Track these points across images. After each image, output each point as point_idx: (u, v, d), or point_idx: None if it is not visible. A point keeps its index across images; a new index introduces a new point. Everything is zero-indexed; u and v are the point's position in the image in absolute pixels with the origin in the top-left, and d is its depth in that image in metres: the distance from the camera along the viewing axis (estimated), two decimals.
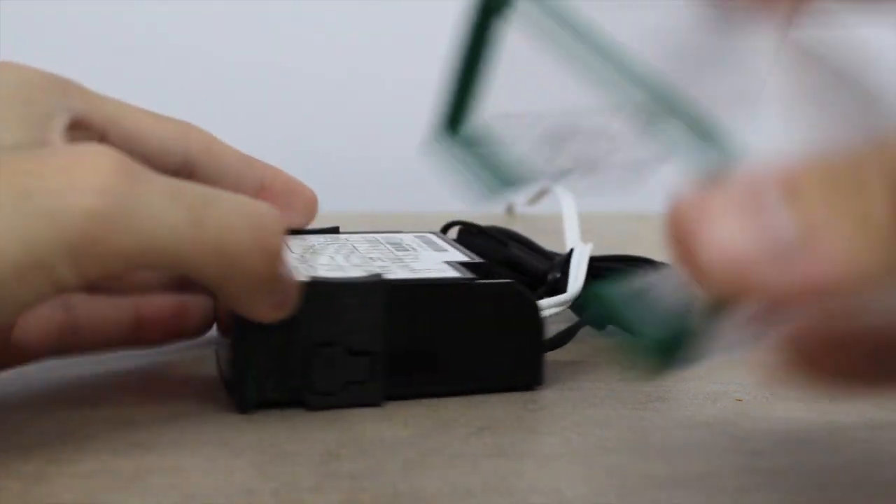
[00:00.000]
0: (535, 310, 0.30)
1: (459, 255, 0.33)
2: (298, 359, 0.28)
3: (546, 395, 0.30)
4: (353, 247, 0.33)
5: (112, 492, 0.23)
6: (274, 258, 0.26)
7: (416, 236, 0.35)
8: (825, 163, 0.16)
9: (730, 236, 0.15)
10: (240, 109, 0.71)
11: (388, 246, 0.33)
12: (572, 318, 0.34)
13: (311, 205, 0.33)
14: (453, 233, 0.41)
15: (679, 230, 0.16)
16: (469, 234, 0.41)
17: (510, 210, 0.67)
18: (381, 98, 0.74)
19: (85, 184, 0.23)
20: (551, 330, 0.32)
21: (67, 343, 0.30)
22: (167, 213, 0.24)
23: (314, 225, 0.34)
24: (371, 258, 0.31)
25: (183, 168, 0.30)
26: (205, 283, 0.26)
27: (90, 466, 0.25)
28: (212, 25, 0.71)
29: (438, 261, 0.32)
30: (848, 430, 0.27)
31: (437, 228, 0.39)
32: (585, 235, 0.47)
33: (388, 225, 0.39)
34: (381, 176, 0.73)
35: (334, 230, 0.35)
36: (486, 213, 0.55)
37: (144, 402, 0.29)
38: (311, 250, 0.32)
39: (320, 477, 0.24)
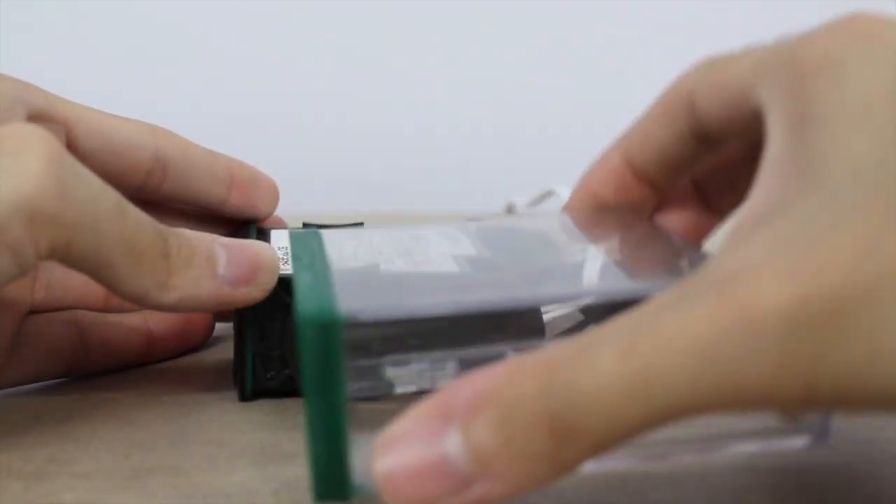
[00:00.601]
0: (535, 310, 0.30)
1: (470, 250, 0.33)
2: (293, 349, 0.28)
3: None
4: (370, 241, 0.34)
5: (112, 492, 0.23)
6: (173, 257, 0.26)
7: (439, 232, 0.36)
8: (498, 395, 0.18)
9: (401, 469, 0.18)
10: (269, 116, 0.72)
11: (405, 241, 0.34)
12: (579, 318, 0.34)
13: (274, 193, 0.33)
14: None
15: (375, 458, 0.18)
16: None
17: (510, 210, 0.67)
18: (422, 105, 0.75)
19: (37, 149, 0.23)
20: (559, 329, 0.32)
21: (79, 364, 0.30)
22: (102, 195, 0.24)
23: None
24: (380, 253, 0.32)
25: (156, 163, 0.30)
26: (111, 278, 0.25)
27: (90, 466, 0.25)
28: (230, 30, 0.71)
29: (447, 254, 0.32)
30: (848, 429, 0.27)
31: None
32: None
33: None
34: (404, 176, 0.74)
35: (359, 225, 0.36)
36: (487, 212, 0.56)
37: (145, 401, 0.29)
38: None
39: None
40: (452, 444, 0.18)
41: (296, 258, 0.25)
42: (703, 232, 0.30)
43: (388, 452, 0.18)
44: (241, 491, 0.23)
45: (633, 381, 0.17)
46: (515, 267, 0.27)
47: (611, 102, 0.77)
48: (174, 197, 0.31)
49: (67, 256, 0.23)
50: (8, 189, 0.22)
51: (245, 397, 0.29)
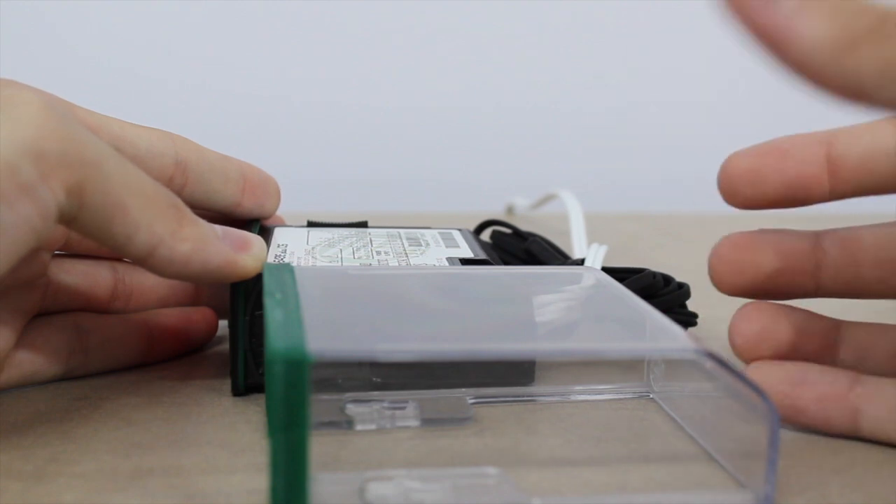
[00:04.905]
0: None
1: (467, 252, 0.33)
2: None
3: (545, 396, 0.30)
4: (370, 241, 0.34)
5: (112, 492, 0.23)
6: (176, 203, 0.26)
7: (439, 232, 0.36)
8: None
9: None
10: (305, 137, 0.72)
11: (403, 241, 0.34)
12: None
13: (279, 193, 0.35)
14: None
15: None
16: (502, 233, 0.43)
17: (511, 210, 0.67)
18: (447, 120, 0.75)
19: (31, 101, 0.23)
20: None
21: (78, 365, 0.30)
22: (101, 141, 0.24)
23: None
24: (378, 251, 0.32)
25: (177, 168, 0.30)
26: (126, 226, 0.25)
27: (90, 466, 0.25)
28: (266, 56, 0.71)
29: (441, 256, 0.32)
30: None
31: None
32: (588, 236, 0.47)
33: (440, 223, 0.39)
34: (406, 176, 0.74)
35: (363, 224, 0.37)
36: (488, 211, 0.56)
37: (145, 401, 0.29)
38: (327, 242, 0.33)
39: None
40: None
41: (269, 294, 0.25)
42: None
43: None
44: (241, 491, 0.24)
45: None
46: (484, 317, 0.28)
47: (613, 105, 0.77)
48: (193, 202, 0.31)
49: (82, 201, 0.23)
50: (10, 133, 0.22)
51: (238, 392, 0.29)
